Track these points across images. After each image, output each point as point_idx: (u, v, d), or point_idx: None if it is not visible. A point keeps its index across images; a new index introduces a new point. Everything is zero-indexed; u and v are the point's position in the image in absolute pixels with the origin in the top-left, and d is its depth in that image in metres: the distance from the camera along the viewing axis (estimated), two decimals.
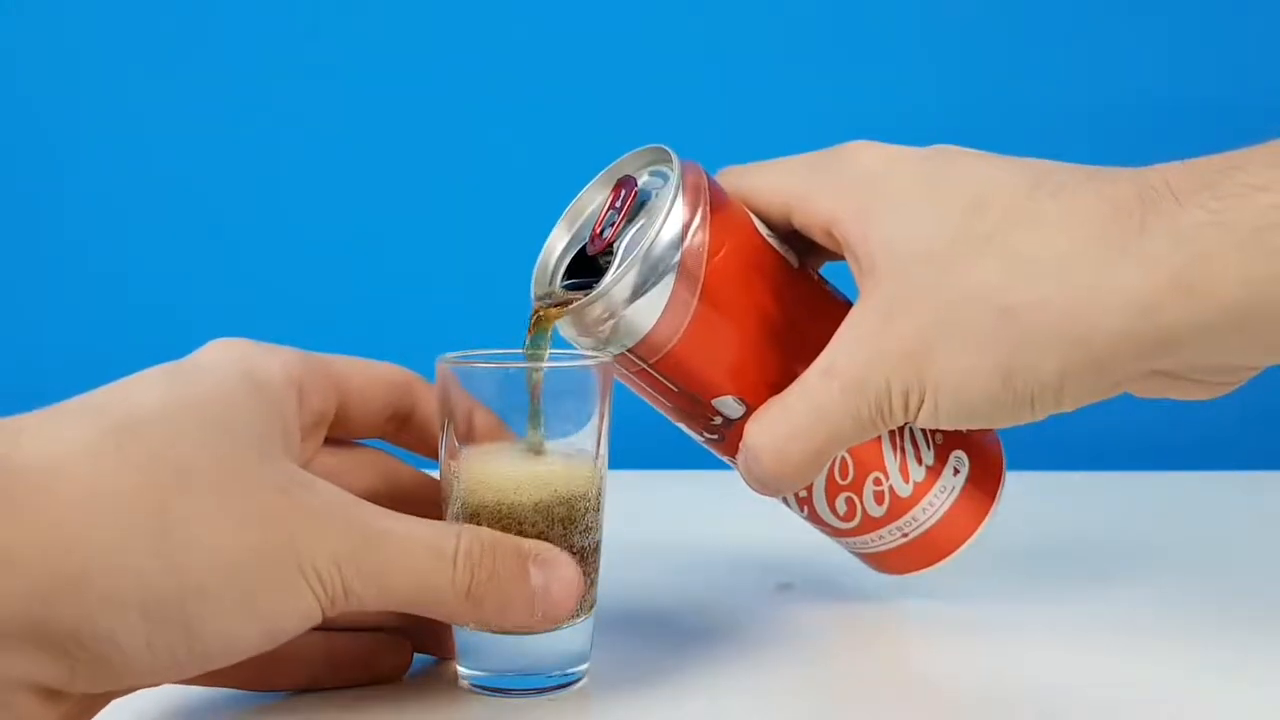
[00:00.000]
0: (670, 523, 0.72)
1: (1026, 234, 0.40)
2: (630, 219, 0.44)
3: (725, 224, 0.44)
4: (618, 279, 0.42)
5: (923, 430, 0.48)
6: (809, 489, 0.48)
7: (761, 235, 0.45)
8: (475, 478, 0.42)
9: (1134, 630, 0.51)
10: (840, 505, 0.48)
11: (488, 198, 0.94)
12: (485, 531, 0.39)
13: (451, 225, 0.95)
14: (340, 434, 0.43)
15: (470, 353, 0.43)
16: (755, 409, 0.44)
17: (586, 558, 0.43)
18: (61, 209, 0.95)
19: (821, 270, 0.49)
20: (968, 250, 0.40)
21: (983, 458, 0.50)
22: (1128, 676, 0.46)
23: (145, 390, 0.36)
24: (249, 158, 0.94)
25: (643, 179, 0.46)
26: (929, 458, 0.48)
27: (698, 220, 0.43)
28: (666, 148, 0.45)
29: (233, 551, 0.34)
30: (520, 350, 0.44)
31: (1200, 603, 0.55)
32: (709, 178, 0.45)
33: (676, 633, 0.50)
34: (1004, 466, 0.51)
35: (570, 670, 0.43)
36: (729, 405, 0.45)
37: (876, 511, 0.48)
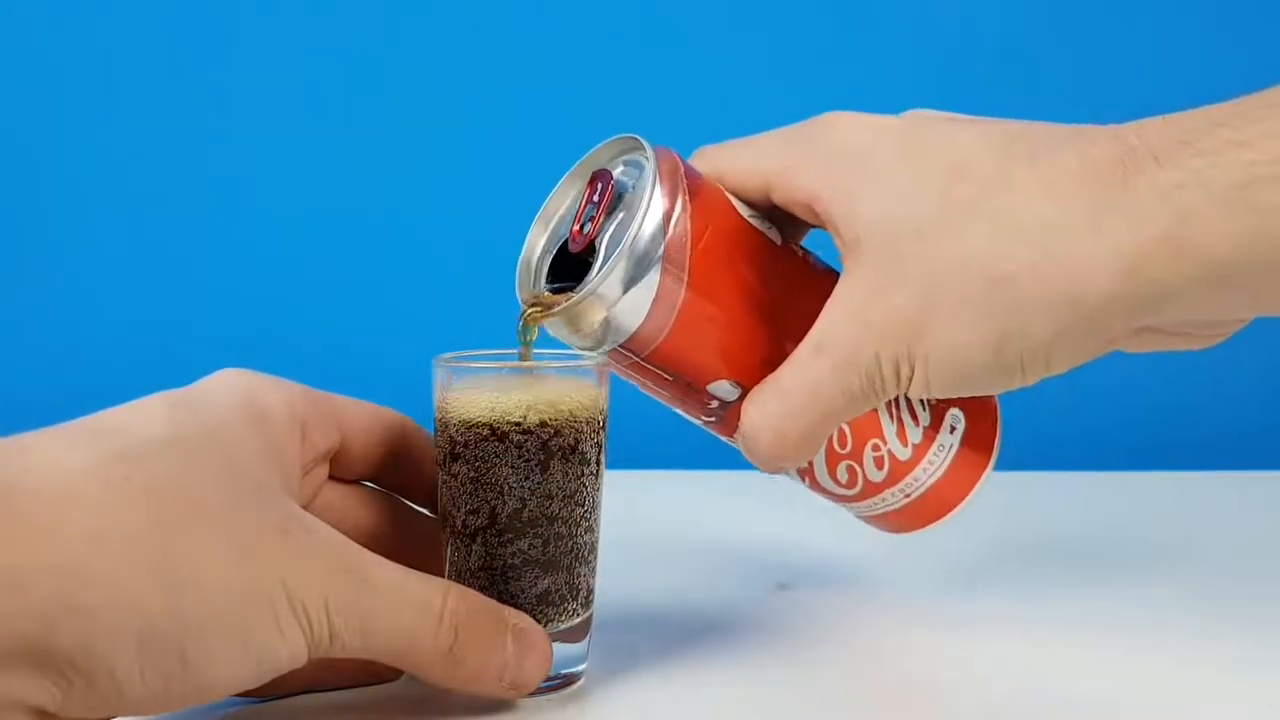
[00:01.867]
0: (668, 523, 0.71)
1: (1010, 199, 0.40)
2: (609, 213, 0.44)
3: (705, 209, 0.43)
4: (604, 277, 0.42)
5: None
6: (809, 461, 0.48)
7: (742, 216, 0.45)
8: (461, 396, 0.42)
9: (1133, 630, 0.51)
10: (841, 474, 0.48)
11: (485, 198, 0.94)
12: (472, 593, 0.40)
13: (450, 225, 0.94)
14: (339, 472, 0.44)
15: (466, 353, 0.43)
16: (750, 390, 0.44)
17: (584, 556, 0.43)
18: (59, 208, 0.95)
19: (804, 241, 0.48)
20: (953, 220, 0.40)
21: (978, 413, 0.50)
22: (1127, 677, 0.46)
23: (150, 418, 0.36)
24: (245, 160, 0.94)
25: (616, 170, 0.45)
26: (925, 418, 0.48)
27: (678, 209, 0.43)
28: (638, 136, 0.45)
29: (230, 589, 0.34)
30: (516, 351, 0.44)
31: (1200, 603, 0.55)
32: (683, 162, 0.45)
33: (674, 633, 0.50)
34: (999, 419, 0.50)
35: (568, 670, 0.43)
36: (724, 389, 0.45)
37: (877, 476, 0.48)
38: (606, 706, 0.42)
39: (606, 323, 0.43)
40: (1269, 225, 0.37)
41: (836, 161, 0.43)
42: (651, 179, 0.42)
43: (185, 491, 0.34)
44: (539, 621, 0.42)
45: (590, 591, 0.44)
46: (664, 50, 0.94)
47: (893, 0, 0.94)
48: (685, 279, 0.43)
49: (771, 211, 0.46)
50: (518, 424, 0.41)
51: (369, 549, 0.38)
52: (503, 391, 0.42)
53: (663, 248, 0.42)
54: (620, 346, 0.44)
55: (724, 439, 0.48)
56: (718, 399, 0.45)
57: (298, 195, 0.94)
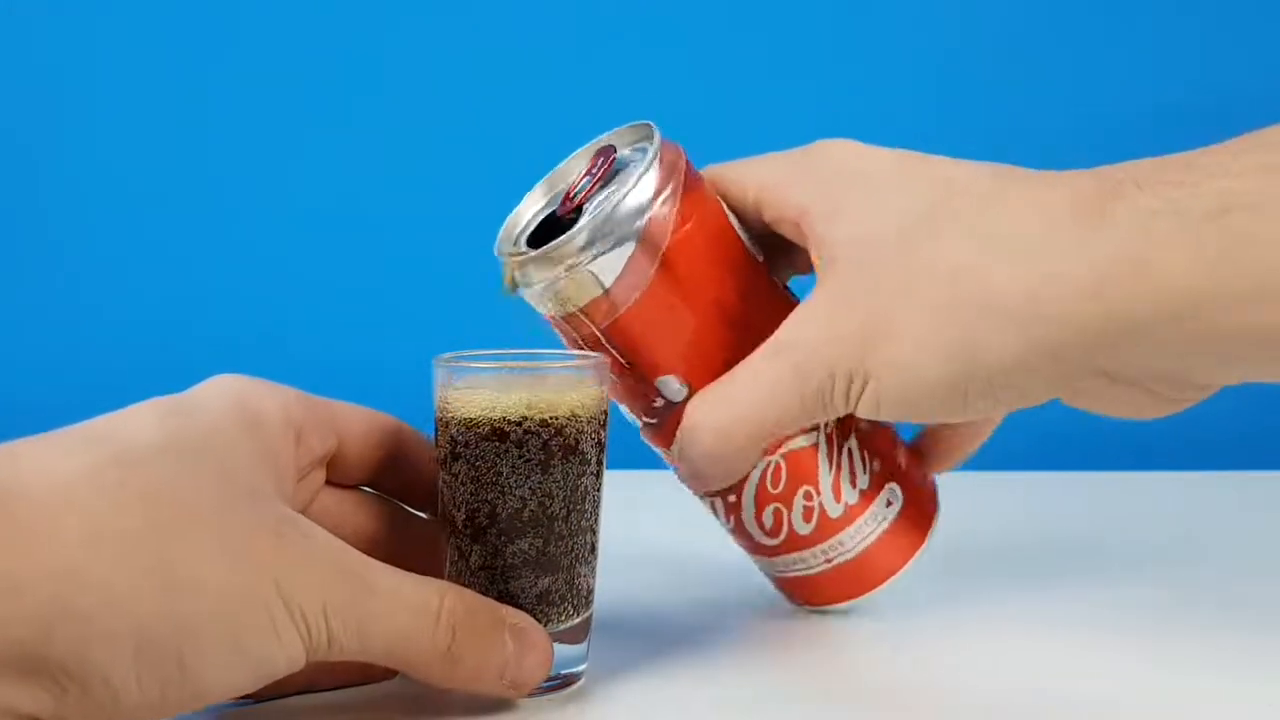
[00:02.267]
0: (668, 523, 0.71)
1: (990, 215, 0.40)
2: (604, 185, 0.45)
3: (695, 203, 0.44)
4: (577, 233, 0.43)
5: (861, 451, 0.48)
6: (739, 495, 0.48)
7: (731, 224, 0.46)
8: (462, 395, 0.42)
9: (1133, 630, 0.51)
10: (768, 517, 0.48)
11: (484, 198, 0.94)
12: (468, 593, 0.40)
13: (450, 225, 0.94)
14: (336, 477, 0.44)
15: (466, 353, 0.43)
16: (698, 389, 0.45)
17: (584, 556, 0.43)
18: (57, 210, 0.95)
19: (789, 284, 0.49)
20: (931, 230, 0.41)
21: (917, 496, 0.49)
22: (1127, 677, 0.46)
23: (144, 424, 0.36)
24: (243, 162, 0.94)
25: (624, 151, 0.46)
26: (863, 481, 0.48)
27: (667, 192, 0.43)
28: (651, 124, 0.45)
29: (226, 594, 0.34)
30: (517, 351, 0.44)
31: (1201, 603, 0.55)
32: (688, 160, 0.45)
33: (674, 633, 0.50)
34: (937, 511, 0.50)
35: (568, 670, 0.43)
36: (672, 387, 0.45)
37: (803, 529, 0.48)
38: (606, 706, 0.42)
39: (572, 281, 0.43)
40: (1241, 254, 0.37)
41: (830, 181, 0.44)
42: (650, 159, 0.43)
43: (180, 496, 0.34)
44: (539, 621, 0.42)
45: (590, 591, 0.44)
46: (666, 51, 0.94)
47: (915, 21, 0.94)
48: (659, 259, 0.43)
49: (762, 238, 0.47)
50: (518, 423, 0.41)
51: (367, 553, 0.38)
52: (503, 391, 0.42)
53: (643, 222, 0.43)
54: (580, 310, 0.44)
55: (660, 451, 0.48)
56: (664, 397, 0.46)
57: (297, 196, 0.94)
